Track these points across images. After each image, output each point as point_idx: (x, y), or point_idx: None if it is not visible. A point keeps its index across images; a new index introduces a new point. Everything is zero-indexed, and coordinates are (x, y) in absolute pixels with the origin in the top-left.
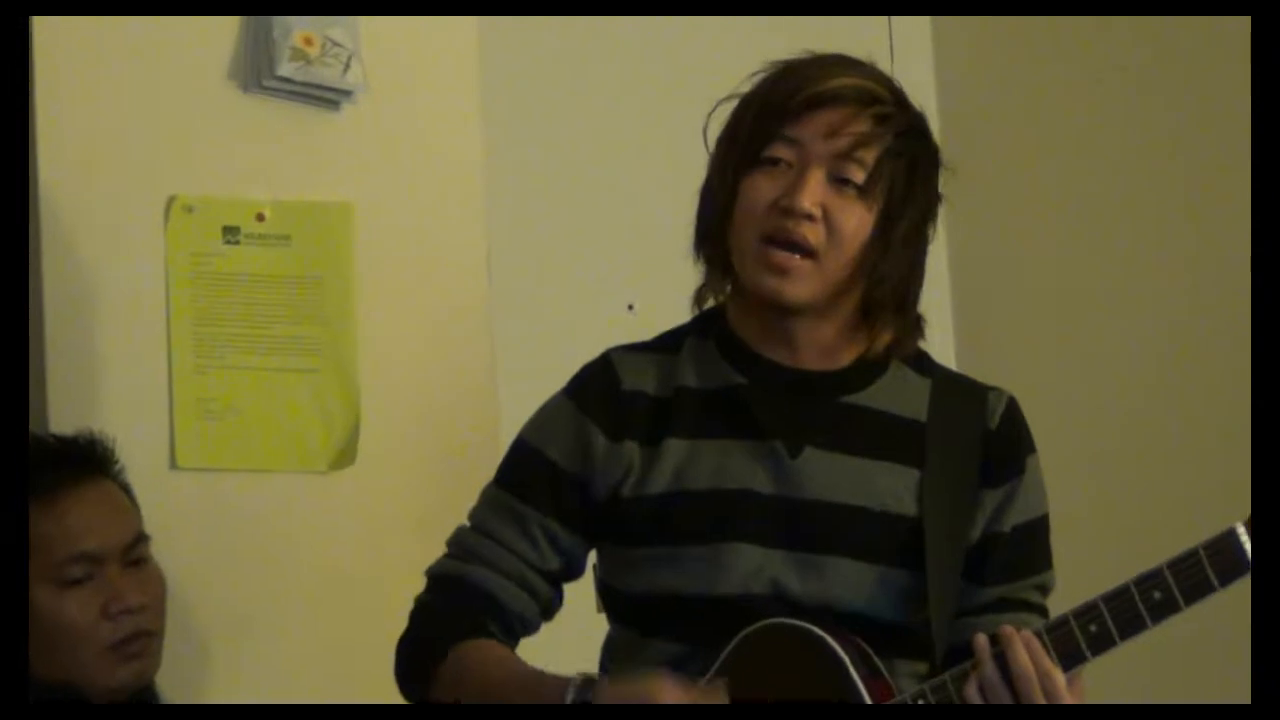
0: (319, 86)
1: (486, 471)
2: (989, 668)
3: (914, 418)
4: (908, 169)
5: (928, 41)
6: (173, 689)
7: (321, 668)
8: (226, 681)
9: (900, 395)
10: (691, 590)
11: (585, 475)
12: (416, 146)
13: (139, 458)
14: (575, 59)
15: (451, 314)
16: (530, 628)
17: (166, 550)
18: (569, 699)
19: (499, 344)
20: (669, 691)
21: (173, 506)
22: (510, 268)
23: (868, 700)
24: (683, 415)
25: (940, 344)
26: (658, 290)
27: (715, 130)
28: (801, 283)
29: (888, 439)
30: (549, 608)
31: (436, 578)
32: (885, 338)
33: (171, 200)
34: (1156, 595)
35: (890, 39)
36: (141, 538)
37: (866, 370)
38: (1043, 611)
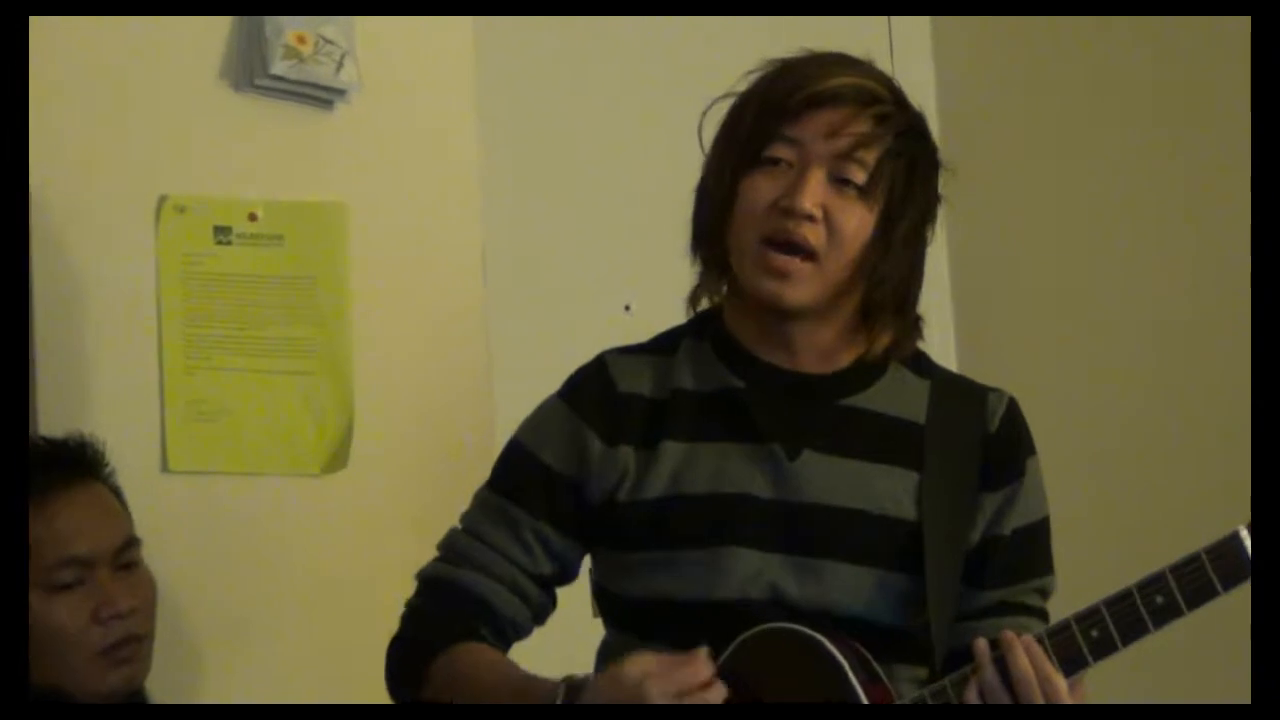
0: (312, 85)
1: (482, 475)
2: (989, 672)
3: (913, 420)
4: (908, 169)
5: (927, 42)
6: (164, 694)
7: (315, 673)
8: (218, 687)
9: (899, 397)
10: (689, 595)
11: (580, 479)
12: (411, 146)
13: (130, 460)
14: (572, 59)
15: (447, 315)
16: (522, 632)
17: (157, 554)
18: (559, 701)
19: (495, 346)
20: (654, 680)
21: (164, 510)
22: (506, 268)
23: None
24: (679, 418)
25: (941, 345)
26: (655, 291)
27: (710, 129)
28: (802, 286)
29: (886, 441)
30: (541, 612)
31: (427, 581)
32: (884, 339)
33: (163, 200)
34: (1159, 599)
35: (890, 39)
36: (132, 541)
37: (865, 372)
38: (1043, 616)
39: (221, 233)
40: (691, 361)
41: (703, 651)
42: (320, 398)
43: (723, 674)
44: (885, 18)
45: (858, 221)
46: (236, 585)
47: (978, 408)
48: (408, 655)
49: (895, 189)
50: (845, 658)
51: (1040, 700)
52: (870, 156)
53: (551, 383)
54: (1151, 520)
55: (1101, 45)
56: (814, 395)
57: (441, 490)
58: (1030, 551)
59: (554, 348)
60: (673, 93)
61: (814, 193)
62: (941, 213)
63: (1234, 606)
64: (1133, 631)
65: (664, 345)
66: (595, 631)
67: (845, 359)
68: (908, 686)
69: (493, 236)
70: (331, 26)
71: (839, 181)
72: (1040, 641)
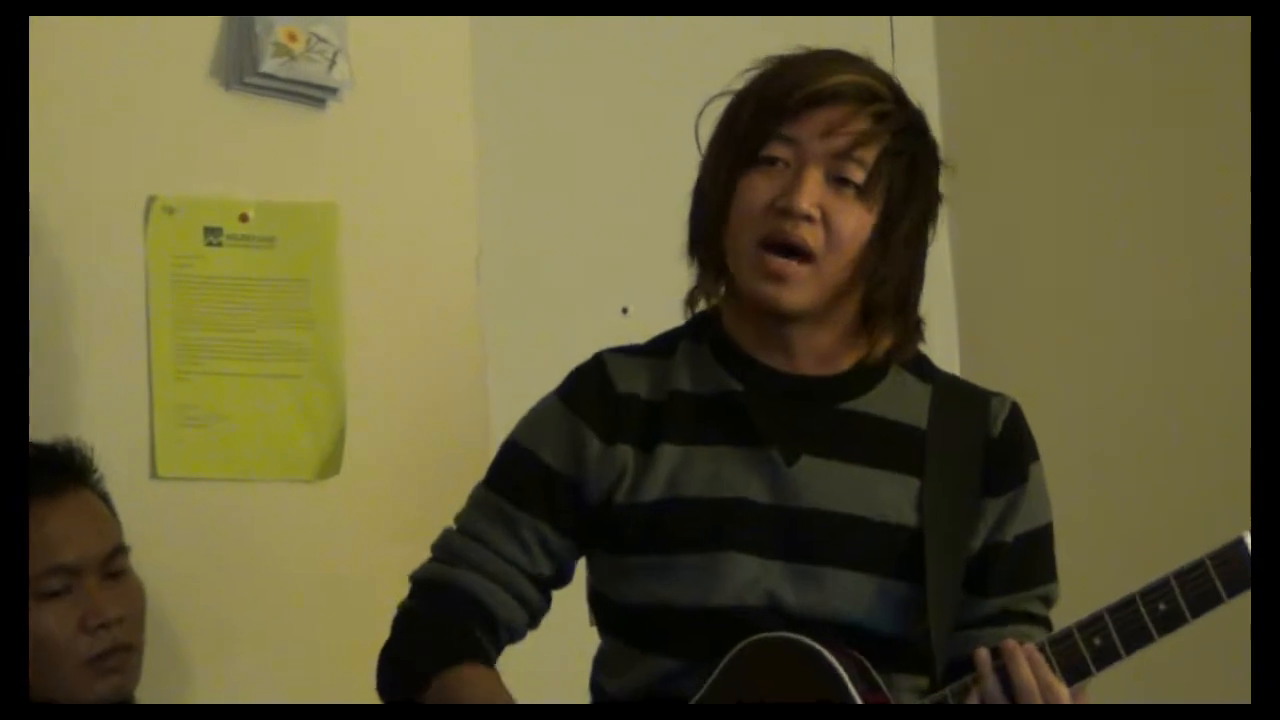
0: (304, 83)
1: (477, 478)
2: (990, 682)
3: (914, 424)
4: (908, 168)
5: (929, 42)
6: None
7: (306, 682)
8: (208, 697)
9: (900, 401)
10: (685, 601)
11: (578, 478)
12: (405, 145)
13: (118, 466)
14: (570, 58)
15: (441, 317)
16: (516, 636)
17: (146, 562)
18: None
19: (489, 349)
20: None
21: (153, 517)
22: (501, 270)
23: None
24: (677, 420)
25: (944, 346)
26: (653, 293)
27: (707, 129)
28: (799, 289)
29: (887, 446)
30: (537, 615)
31: (421, 583)
32: (885, 342)
33: (152, 201)
34: (1162, 607)
35: (892, 39)
36: (121, 549)
37: (866, 376)
38: (1046, 623)
39: (212, 234)
40: (689, 364)
41: None
42: (312, 402)
43: (720, 683)
44: (887, 18)
45: (856, 222)
46: (227, 594)
47: (980, 412)
48: (400, 678)
49: (895, 188)
50: (844, 667)
51: None
52: (869, 155)
53: (547, 386)
54: (1158, 525)
55: (1102, 45)
56: (813, 399)
57: (436, 495)
58: (1033, 558)
59: (550, 351)
60: (672, 94)
61: (811, 193)
62: (944, 212)
63: (1234, 606)
64: (1136, 640)
65: (661, 347)
66: (591, 641)
67: (845, 362)
68: (908, 696)
69: (488, 238)
70: (323, 24)
71: (837, 181)
72: (1042, 650)
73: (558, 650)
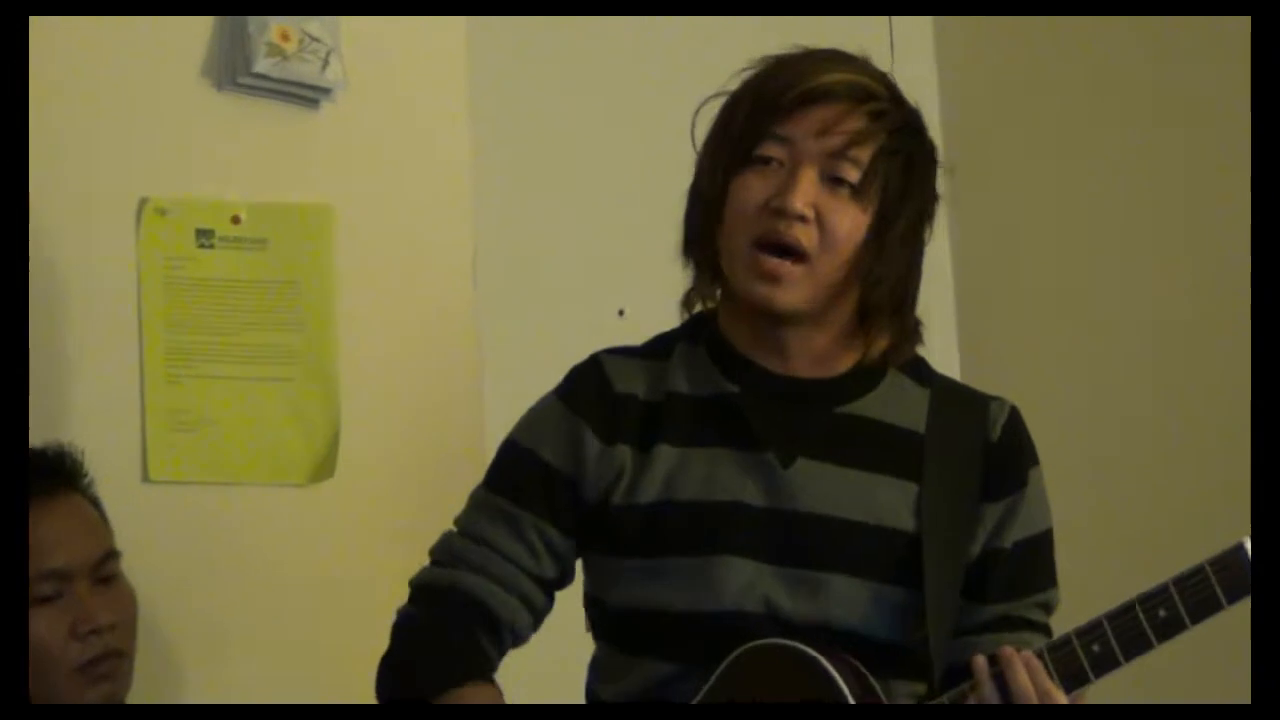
0: (296, 84)
1: (473, 483)
2: (988, 689)
3: (912, 428)
4: (903, 167)
5: (929, 42)
6: None
7: (299, 687)
8: (201, 702)
9: (898, 405)
10: (680, 605)
11: (578, 477)
12: (400, 146)
13: (109, 470)
14: (567, 58)
15: (436, 320)
16: (520, 639)
17: (138, 567)
18: None
19: (485, 351)
20: None
21: (144, 521)
22: (498, 272)
23: None
24: (674, 421)
25: (943, 347)
26: (649, 295)
27: (703, 129)
28: (793, 289)
29: (884, 450)
30: (540, 617)
31: (421, 588)
32: (882, 343)
33: (143, 202)
34: (1162, 613)
35: (891, 39)
36: (111, 554)
37: (863, 378)
38: (1046, 630)
39: (204, 236)
40: (685, 366)
41: None
42: (306, 406)
43: (715, 690)
44: (886, 18)
45: (851, 222)
46: (219, 599)
47: (979, 416)
48: (400, 695)
49: (890, 187)
50: (841, 675)
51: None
52: (864, 154)
53: (544, 388)
54: (1159, 529)
55: (1101, 45)
56: (809, 401)
57: (431, 500)
58: (1032, 564)
59: (546, 353)
60: (670, 94)
61: (805, 192)
62: (944, 213)
63: (1233, 610)
64: (1135, 646)
65: (657, 349)
66: (586, 648)
67: (842, 364)
68: (905, 703)
69: (484, 240)
70: (316, 23)
71: (832, 180)
72: (1040, 657)
73: (555, 656)
